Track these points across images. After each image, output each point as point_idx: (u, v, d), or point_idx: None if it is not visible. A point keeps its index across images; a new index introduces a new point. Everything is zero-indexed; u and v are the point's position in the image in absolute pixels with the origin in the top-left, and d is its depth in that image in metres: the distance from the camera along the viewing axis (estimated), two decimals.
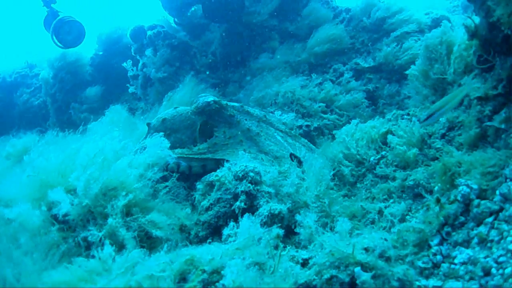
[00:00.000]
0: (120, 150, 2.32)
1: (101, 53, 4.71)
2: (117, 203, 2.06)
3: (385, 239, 1.60)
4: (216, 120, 2.62)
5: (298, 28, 3.81)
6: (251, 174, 2.06)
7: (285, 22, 3.84)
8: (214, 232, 2.02)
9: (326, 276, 1.37)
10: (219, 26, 3.84)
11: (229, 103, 2.66)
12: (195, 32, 4.04)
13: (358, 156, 2.54)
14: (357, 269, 1.35)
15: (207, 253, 1.47)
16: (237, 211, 1.93)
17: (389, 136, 2.18)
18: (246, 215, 1.65)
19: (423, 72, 2.66)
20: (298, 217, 1.67)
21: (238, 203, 1.96)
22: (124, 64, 4.12)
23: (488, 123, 1.97)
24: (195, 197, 2.31)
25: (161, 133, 2.39)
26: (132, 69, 4.09)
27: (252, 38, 3.83)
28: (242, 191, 1.99)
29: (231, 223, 1.72)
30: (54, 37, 4.02)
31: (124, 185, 2.13)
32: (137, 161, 2.25)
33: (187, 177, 2.46)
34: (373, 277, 1.35)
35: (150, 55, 3.87)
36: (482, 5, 1.99)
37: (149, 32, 3.92)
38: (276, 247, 1.50)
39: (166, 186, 2.27)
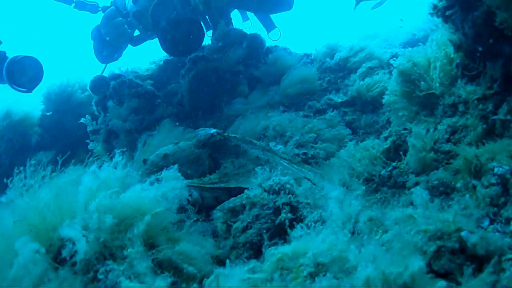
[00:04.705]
0: (125, 178, 2.12)
1: (50, 113, 4.41)
2: (134, 230, 1.84)
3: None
4: (221, 152, 2.57)
5: (264, 74, 4.02)
6: (288, 186, 2.04)
7: (250, 68, 4.04)
8: (257, 253, 1.89)
9: (433, 248, 1.36)
10: (184, 75, 3.88)
11: (230, 134, 2.63)
12: (158, 84, 4.04)
13: (366, 174, 2.62)
14: (464, 233, 1.36)
15: (303, 246, 1.36)
16: (287, 223, 1.85)
17: (411, 140, 2.29)
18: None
19: (405, 94, 2.93)
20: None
21: (283, 215, 1.90)
22: (83, 120, 3.90)
23: (495, 117, 2.19)
24: (216, 226, 2.18)
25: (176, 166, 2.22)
26: (92, 124, 3.86)
27: (221, 83, 3.92)
28: (283, 203, 1.93)
29: (299, 225, 1.65)
30: (11, 84, 3.69)
31: (142, 211, 1.93)
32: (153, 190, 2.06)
33: (198, 209, 2.32)
34: (481, 238, 1.36)
35: (115, 105, 3.73)
36: (466, 17, 2.33)
37: (112, 82, 3.81)
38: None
39: (188, 217, 2.10)
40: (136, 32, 4.39)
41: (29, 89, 3.89)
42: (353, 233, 1.41)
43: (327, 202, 1.63)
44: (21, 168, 2.12)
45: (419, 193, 1.53)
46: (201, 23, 3.85)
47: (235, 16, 5.00)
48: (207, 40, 4.37)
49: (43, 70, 3.88)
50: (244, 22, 5.26)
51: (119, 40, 4.25)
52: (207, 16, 4.35)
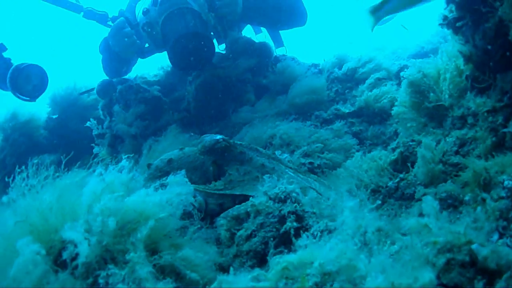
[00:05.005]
0: (130, 183, 2.10)
1: (55, 116, 4.43)
2: (137, 234, 1.81)
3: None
4: (226, 159, 2.55)
5: (272, 82, 4.03)
6: (294, 194, 2.02)
7: (258, 76, 4.04)
8: (260, 261, 1.87)
9: (442, 260, 1.33)
10: (191, 82, 3.89)
11: (236, 141, 2.62)
12: (165, 90, 4.05)
13: (372, 185, 2.59)
14: (474, 246, 1.33)
15: (310, 255, 1.34)
16: (292, 232, 1.82)
17: (421, 151, 2.27)
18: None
19: (414, 105, 2.91)
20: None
21: (289, 223, 1.88)
22: (89, 123, 3.90)
23: (504, 130, 2.17)
24: (220, 234, 2.16)
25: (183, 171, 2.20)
26: (97, 128, 3.87)
27: (228, 91, 3.92)
28: (289, 212, 1.90)
29: (305, 234, 1.62)
30: (14, 91, 3.61)
31: (145, 215, 1.90)
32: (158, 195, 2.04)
33: (202, 215, 2.30)
34: (492, 252, 1.33)
35: (121, 110, 3.74)
36: (477, 29, 2.32)
37: (119, 87, 3.82)
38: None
39: (192, 224, 2.08)
40: (146, 44, 4.29)
41: (33, 98, 3.82)
42: (363, 244, 1.38)
43: (341, 212, 1.60)
44: (23, 167, 2.08)
45: (430, 203, 1.50)
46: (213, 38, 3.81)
47: (248, 30, 5.01)
48: None
49: (48, 79, 3.85)
50: (257, 35, 5.24)
51: (128, 51, 4.04)
52: (219, 31, 4.30)
